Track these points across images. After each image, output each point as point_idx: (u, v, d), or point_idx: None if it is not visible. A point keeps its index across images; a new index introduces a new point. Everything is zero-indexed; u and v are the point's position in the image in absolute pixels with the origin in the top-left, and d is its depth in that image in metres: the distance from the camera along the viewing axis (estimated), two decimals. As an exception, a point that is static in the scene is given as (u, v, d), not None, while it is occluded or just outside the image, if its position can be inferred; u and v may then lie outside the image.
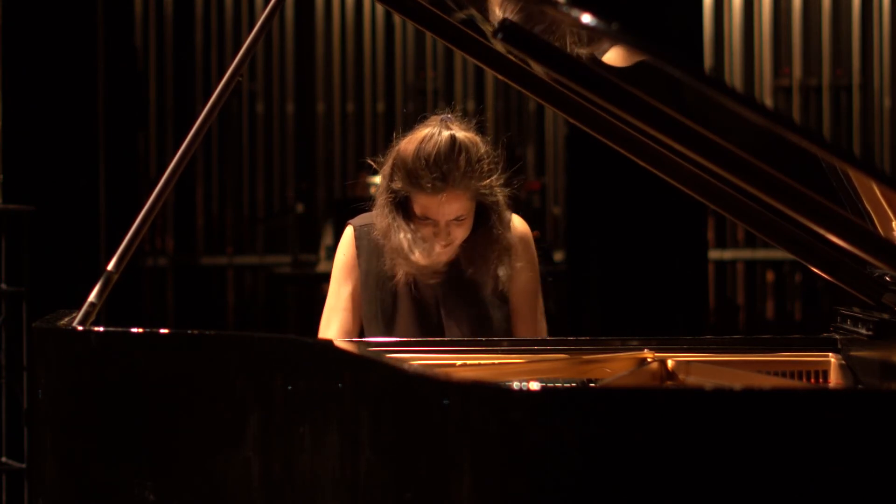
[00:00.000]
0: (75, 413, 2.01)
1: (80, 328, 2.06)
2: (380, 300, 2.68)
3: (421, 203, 2.56)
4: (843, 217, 1.88)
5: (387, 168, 2.62)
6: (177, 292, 7.37)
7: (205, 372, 1.93)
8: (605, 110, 2.12)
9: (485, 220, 2.63)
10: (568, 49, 1.93)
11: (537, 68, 2.14)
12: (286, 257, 7.09)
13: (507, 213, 2.67)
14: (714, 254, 7.17)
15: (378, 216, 2.65)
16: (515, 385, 2.17)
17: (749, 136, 1.80)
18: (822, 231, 1.88)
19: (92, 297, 2.12)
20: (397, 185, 2.58)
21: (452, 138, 2.55)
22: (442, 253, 2.61)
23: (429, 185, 2.52)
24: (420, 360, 2.37)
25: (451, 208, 2.55)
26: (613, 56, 1.93)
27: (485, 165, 2.58)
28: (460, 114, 2.67)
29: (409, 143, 2.58)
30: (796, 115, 7.34)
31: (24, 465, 4.37)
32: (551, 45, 1.92)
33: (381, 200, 2.63)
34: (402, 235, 2.57)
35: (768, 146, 1.79)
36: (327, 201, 7.31)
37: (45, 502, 2.02)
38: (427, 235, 2.59)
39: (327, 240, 6.57)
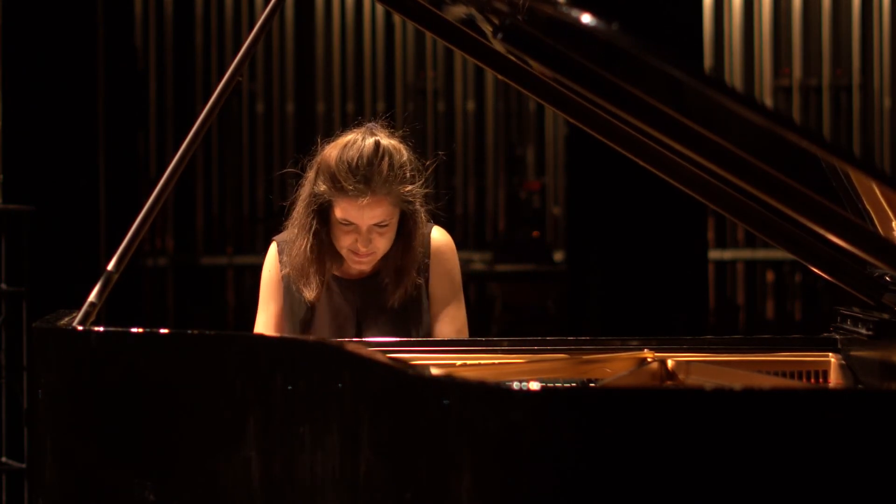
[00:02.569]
0: (75, 413, 2.01)
1: (80, 328, 2.06)
2: (297, 311, 2.69)
3: (343, 207, 2.56)
4: (843, 217, 1.87)
5: (311, 173, 2.62)
6: (177, 292, 7.37)
7: (205, 372, 1.93)
8: (605, 110, 2.12)
9: (404, 231, 2.63)
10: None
11: (537, 68, 2.14)
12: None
13: (425, 225, 2.68)
14: (714, 254, 7.17)
15: (295, 220, 2.65)
16: (515, 385, 2.17)
17: (749, 136, 1.80)
18: (822, 231, 1.87)
19: (92, 297, 2.12)
20: (320, 188, 2.58)
21: (376, 143, 2.56)
22: (361, 263, 2.61)
23: (351, 188, 2.53)
24: (420, 360, 2.38)
25: (372, 213, 2.55)
26: None
27: (407, 172, 2.58)
28: (386, 122, 2.68)
29: (332, 148, 2.59)
30: (796, 115, 7.34)
31: (24, 465, 4.37)
32: (551, 45, 1.92)
33: (301, 207, 2.63)
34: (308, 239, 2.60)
35: (768, 146, 1.78)
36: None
37: (45, 502, 2.02)
38: (348, 243, 2.59)
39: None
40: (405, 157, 2.59)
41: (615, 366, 2.32)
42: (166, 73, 7.36)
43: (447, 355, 2.40)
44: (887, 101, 7.36)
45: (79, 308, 2.12)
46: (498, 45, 2.07)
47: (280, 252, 2.73)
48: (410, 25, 7.16)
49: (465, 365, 2.37)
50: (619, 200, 5.11)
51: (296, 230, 2.65)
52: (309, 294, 2.64)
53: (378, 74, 7.54)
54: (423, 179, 2.63)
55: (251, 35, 2.28)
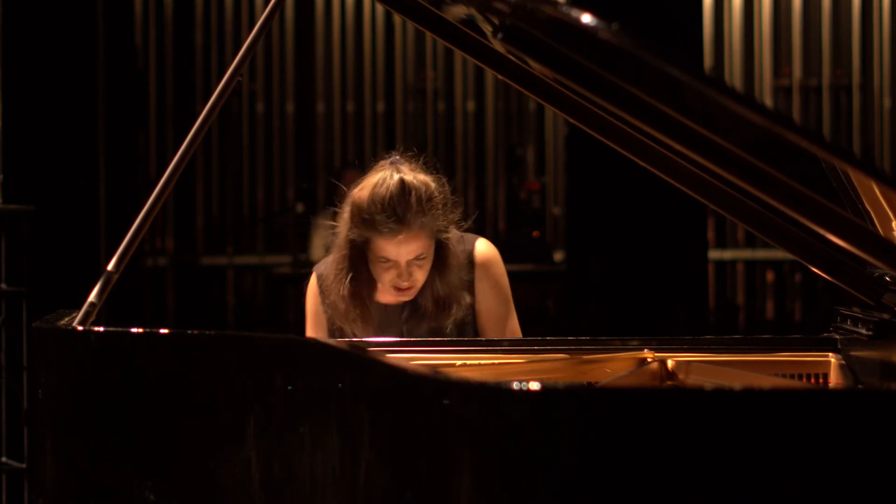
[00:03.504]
0: (75, 413, 2.01)
1: (80, 328, 2.06)
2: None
3: (380, 246, 2.60)
4: (843, 217, 1.87)
5: (345, 216, 2.67)
6: (177, 292, 7.37)
7: (205, 372, 1.93)
8: (605, 110, 2.12)
9: (438, 260, 2.67)
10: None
11: (537, 68, 2.14)
12: (286, 257, 7.09)
13: (464, 243, 2.72)
14: (714, 254, 7.18)
15: (333, 264, 2.69)
16: (515, 385, 2.17)
17: (749, 136, 1.80)
18: (822, 231, 1.87)
19: (92, 297, 2.12)
20: (354, 232, 2.63)
21: (402, 181, 2.61)
22: (403, 295, 2.65)
23: (386, 229, 2.57)
24: (420, 360, 2.37)
25: (409, 248, 2.59)
26: None
27: (436, 203, 2.63)
28: (409, 153, 2.72)
29: (362, 191, 2.64)
30: (796, 115, 7.34)
31: (24, 465, 4.37)
32: (551, 45, 1.92)
33: (337, 252, 2.68)
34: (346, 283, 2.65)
35: (768, 146, 1.78)
36: (326, 201, 7.32)
37: (45, 502, 2.02)
38: (389, 279, 2.62)
39: (327, 239, 6.56)
40: (432, 188, 2.64)
41: (615, 366, 2.32)
42: (166, 73, 7.36)
43: (447, 355, 2.40)
44: (887, 101, 7.36)
45: (79, 308, 2.12)
46: (498, 45, 2.07)
47: (319, 284, 2.76)
48: (410, 25, 7.16)
49: (465, 365, 2.37)
50: (619, 200, 5.11)
51: (333, 274, 2.69)
52: (359, 331, 2.69)
53: (378, 74, 7.54)
54: (452, 207, 2.68)
55: (251, 35, 2.28)
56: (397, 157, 2.70)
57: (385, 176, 2.63)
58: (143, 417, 1.97)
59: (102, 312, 2.13)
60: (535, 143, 7.48)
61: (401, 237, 2.58)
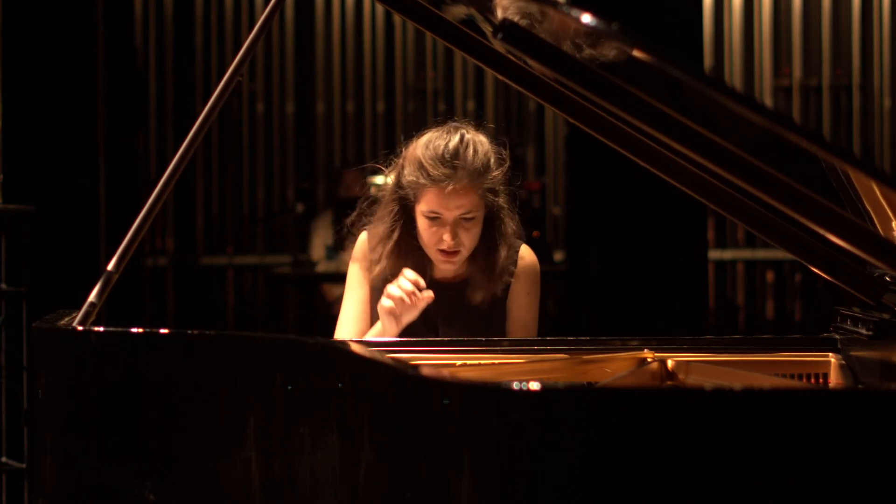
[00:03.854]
0: (75, 413, 2.01)
1: (80, 328, 2.06)
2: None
3: (429, 198, 2.59)
4: (843, 217, 1.88)
5: (397, 166, 2.66)
6: (177, 292, 7.37)
7: (205, 372, 1.93)
8: (605, 110, 2.12)
9: (489, 229, 2.66)
10: (572, 54, 1.93)
11: (537, 68, 2.14)
12: (286, 257, 7.09)
13: (514, 239, 2.71)
14: (714, 254, 7.18)
15: (380, 217, 2.67)
16: (515, 385, 2.17)
17: (749, 136, 1.80)
18: (822, 231, 1.87)
19: (92, 297, 2.12)
20: (406, 179, 2.61)
21: (462, 135, 2.62)
22: (449, 261, 2.63)
23: (438, 174, 2.56)
24: (420, 360, 2.37)
25: (459, 202, 2.58)
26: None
27: (491, 161, 2.63)
28: (467, 118, 2.73)
29: (417, 144, 2.64)
30: (796, 115, 7.34)
31: (24, 465, 4.37)
32: (551, 45, 1.92)
33: (386, 201, 2.66)
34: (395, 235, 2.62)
35: (768, 146, 1.79)
36: (326, 201, 7.31)
37: (45, 502, 2.02)
38: (434, 240, 2.60)
39: (327, 240, 6.57)
40: (488, 148, 2.64)
41: (615, 366, 2.32)
42: (166, 73, 7.36)
43: (447, 355, 2.40)
44: (887, 101, 7.36)
45: (79, 308, 2.12)
46: (498, 45, 2.07)
47: (372, 238, 2.73)
48: (410, 25, 7.17)
49: (465, 365, 2.37)
50: (619, 200, 5.11)
51: (382, 225, 2.67)
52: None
53: (378, 74, 7.54)
54: (507, 172, 2.67)
55: (251, 35, 2.28)
56: (457, 121, 2.69)
57: (443, 131, 2.65)
58: (143, 417, 1.97)
59: (102, 312, 2.13)
60: (535, 143, 7.48)
61: (451, 187, 2.56)
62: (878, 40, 7.36)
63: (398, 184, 2.64)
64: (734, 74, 7.39)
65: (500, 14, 1.93)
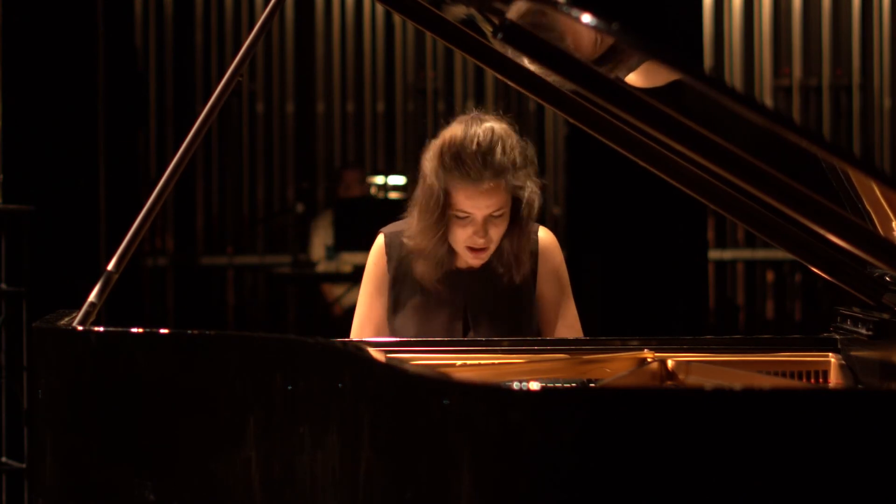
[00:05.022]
0: (75, 413, 2.01)
1: (80, 328, 2.06)
2: (411, 306, 2.69)
3: (461, 197, 2.58)
4: (843, 217, 1.88)
5: (427, 164, 2.64)
6: (177, 292, 7.37)
7: (205, 372, 1.93)
8: (605, 110, 2.12)
9: (517, 217, 2.65)
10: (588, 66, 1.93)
11: (537, 68, 2.14)
12: (286, 257, 7.09)
13: (533, 223, 2.70)
14: (714, 254, 7.17)
15: (412, 216, 2.66)
16: (515, 385, 2.17)
17: (749, 136, 1.80)
18: (822, 231, 1.87)
19: (92, 297, 2.12)
20: (436, 177, 2.59)
21: (490, 129, 2.61)
22: (478, 257, 2.63)
23: (471, 172, 2.55)
24: (420, 360, 2.37)
25: (489, 200, 2.57)
26: (640, 77, 1.93)
27: (517, 156, 2.62)
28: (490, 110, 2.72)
29: (445, 136, 2.63)
30: (796, 115, 7.34)
31: (24, 465, 4.37)
32: (551, 45, 1.92)
33: (421, 194, 2.64)
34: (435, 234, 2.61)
35: (768, 146, 1.79)
36: (326, 201, 7.31)
37: (45, 502, 2.02)
38: (465, 237, 2.60)
39: (327, 240, 6.57)
40: (515, 141, 2.63)
41: (615, 366, 2.32)
42: (166, 73, 7.36)
43: (447, 355, 2.40)
44: (887, 101, 7.36)
45: (79, 308, 2.12)
46: (498, 45, 2.07)
47: (388, 245, 2.72)
48: (410, 25, 7.16)
49: (465, 365, 2.37)
50: (619, 200, 5.11)
51: (415, 217, 2.65)
52: (428, 273, 2.64)
53: (378, 74, 7.54)
54: (534, 164, 2.66)
55: (251, 35, 2.28)
56: (478, 112, 2.69)
57: (469, 124, 2.63)
58: (143, 417, 1.97)
59: (102, 312, 2.13)
60: (535, 143, 7.47)
61: (483, 185, 2.55)
62: (878, 40, 7.36)
63: (426, 182, 2.62)
64: (734, 74, 7.39)
65: (518, 21, 1.92)
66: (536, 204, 2.67)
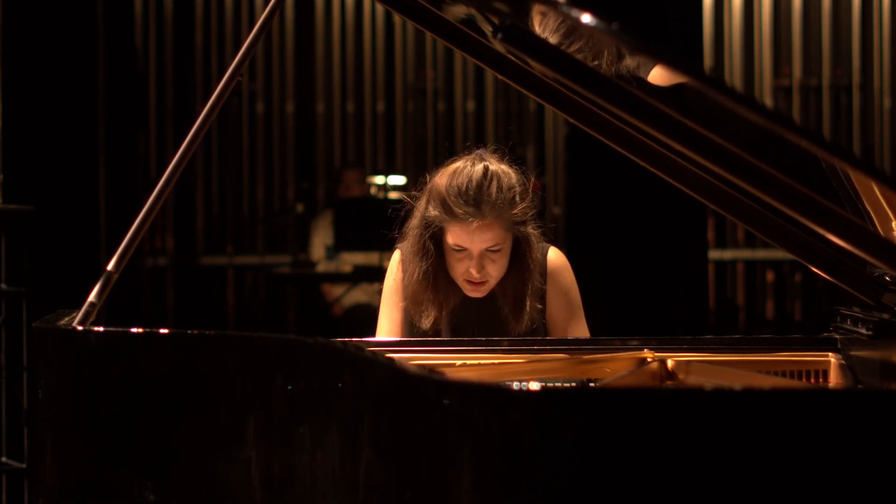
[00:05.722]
0: (75, 413, 2.01)
1: (80, 328, 2.06)
2: (417, 330, 2.69)
3: (454, 232, 2.58)
4: (843, 217, 1.88)
5: (421, 201, 2.65)
6: (177, 292, 7.37)
7: (205, 372, 1.93)
8: (605, 110, 2.12)
9: (517, 255, 2.64)
10: (603, 69, 1.93)
11: (537, 68, 2.14)
12: (286, 257, 7.09)
13: (540, 246, 2.69)
14: (714, 254, 7.17)
15: (409, 249, 2.67)
16: (515, 385, 2.17)
17: (749, 136, 1.80)
18: (822, 231, 1.87)
19: (92, 297, 2.12)
20: (431, 213, 2.60)
21: (485, 168, 2.60)
22: (476, 290, 2.63)
23: (461, 212, 2.55)
24: (420, 360, 2.38)
25: (483, 237, 2.57)
26: (654, 78, 1.93)
27: (516, 195, 2.61)
28: (493, 148, 2.72)
29: (442, 175, 2.63)
30: (796, 115, 7.34)
31: (24, 465, 4.37)
32: (551, 46, 1.92)
33: (413, 234, 2.65)
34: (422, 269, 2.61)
35: (768, 146, 1.79)
36: (326, 201, 7.31)
37: (45, 502, 2.02)
38: (462, 271, 2.60)
39: (327, 240, 6.57)
40: (513, 181, 2.62)
41: (615, 366, 2.32)
42: (166, 73, 7.36)
43: (447, 355, 2.40)
44: (887, 101, 7.36)
45: (79, 308, 2.12)
46: (498, 45, 2.07)
47: (404, 262, 2.72)
48: (410, 25, 7.17)
49: (465, 365, 2.37)
50: (619, 200, 5.11)
51: (409, 257, 2.66)
52: (425, 322, 2.66)
53: (378, 74, 7.53)
54: (532, 202, 2.66)
55: (251, 35, 2.28)
56: (482, 150, 2.69)
57: (467, 163, 2.63)
58: (143, 417, 1.97)
59: (102, 312, 2.13)
60: (535, 143, 7.48)
61: (475, 224, 2.55)
62: (878, 40, 7.36)
63: (424, 217, 2.63)
64: (734, 74, 7.39)
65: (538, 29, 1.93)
66: (533, 238, 2.65)
